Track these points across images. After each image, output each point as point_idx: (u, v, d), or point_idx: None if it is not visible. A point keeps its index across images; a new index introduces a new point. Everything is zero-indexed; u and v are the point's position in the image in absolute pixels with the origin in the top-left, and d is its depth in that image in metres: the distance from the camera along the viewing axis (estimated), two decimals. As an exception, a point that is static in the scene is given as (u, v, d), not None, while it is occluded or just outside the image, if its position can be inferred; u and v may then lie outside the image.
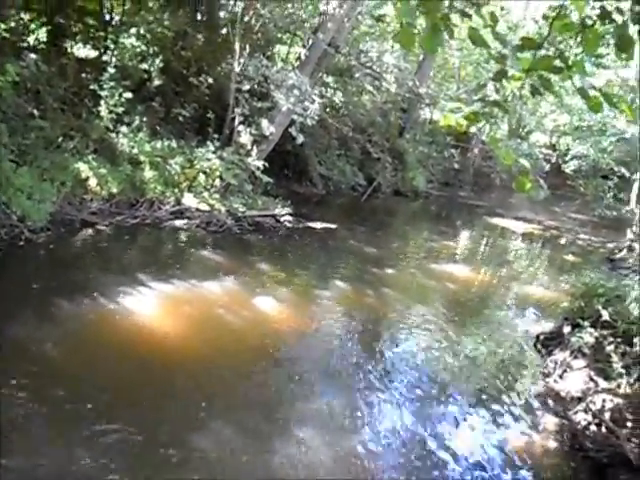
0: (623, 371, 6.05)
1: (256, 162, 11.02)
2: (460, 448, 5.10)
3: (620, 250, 14.23)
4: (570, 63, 3.02)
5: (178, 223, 10.32)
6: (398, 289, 9.06)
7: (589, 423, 5.41)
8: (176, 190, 10.80)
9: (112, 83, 10.45)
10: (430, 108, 21.53)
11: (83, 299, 6.50)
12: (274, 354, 6.34)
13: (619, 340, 6.54)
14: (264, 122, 11.26)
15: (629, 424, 5.04)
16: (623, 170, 20.74)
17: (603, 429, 5.26)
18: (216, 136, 11.11)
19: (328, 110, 15.33)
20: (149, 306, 6.64)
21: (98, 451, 4.08)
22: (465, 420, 5.63)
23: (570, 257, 13.99)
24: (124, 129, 10.75)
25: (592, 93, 3.16)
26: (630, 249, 13.95)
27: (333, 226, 12.20)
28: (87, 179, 9.95)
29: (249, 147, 11.22)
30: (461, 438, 5.30)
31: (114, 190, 10.20)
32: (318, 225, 11.99)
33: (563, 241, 16.04)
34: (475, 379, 6.62)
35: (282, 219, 11.64)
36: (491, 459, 5.05)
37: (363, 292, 8.64)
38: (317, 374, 6.12)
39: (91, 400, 4.58)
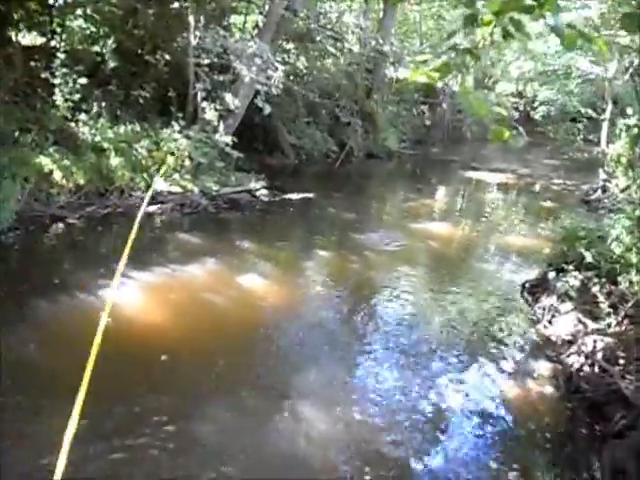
0: (610, 310, 6.14)
1: (224, 138, 10.73)
2: (457, 402, 5.13)
3: (594, 191, 14.38)
4: (542, 1, 2.90)
5: (151, 208, 10.03)
6: (381, 252, 9.01)
7: (582, 365, 5.48)
8: (145, 175, 10.49)
9: (64, 70, 10.00)
10: (395, 66, 21.25)
11: (61, 297, 6.30)
12: (263, 330, 6.27)
13: (604, 280, 6.61)
14: (228, 96, 10.92)
15: (621, 362, 5.11)
16: (590, 112, 20.86)
17: (596, 369, 5.34)
18: (180, 115, 10.76)
19: (292, 78, 14.98)
20: (132, 297, 6.47)
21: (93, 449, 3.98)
22: (460, 373, 5.66)
23: (546, 203, 14.11)
24: (83, 117, 10.35)
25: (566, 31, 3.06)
26: (604, 189, 14.11)
27: (310, 195, 12.05)
28: (51, 172, 9.58)
29: (215, 123, 10.91)
30: (457, 392, 5.32)
31: (81, 181, 9.86)
32: (294, 196, 11.83)
33: (538, 188, 16.15)
34: (465, 333, 6.65)
35: (257, 193, 11.45)
36: (489, 410, 5.10)
37: (346, 258, 8.58)
38: (308, 345, 6.07)
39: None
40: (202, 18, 10.18)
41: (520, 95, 27.16)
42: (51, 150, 9.68)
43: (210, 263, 7.79)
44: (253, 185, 11.52)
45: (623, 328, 5.73)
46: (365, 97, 16.48)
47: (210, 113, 10.76)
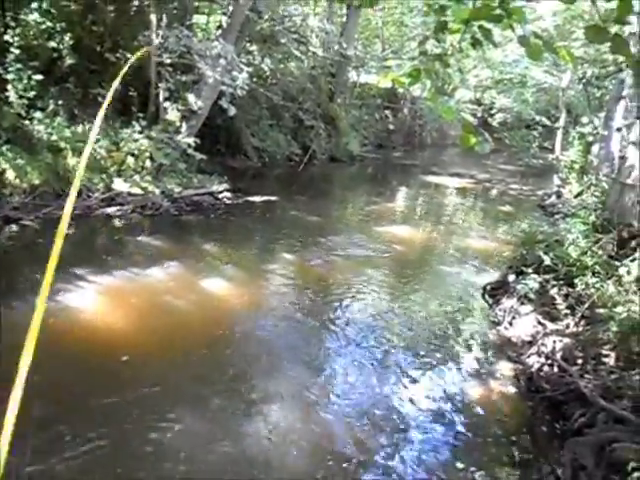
0: (568, 312, 6.34)
1: (187, 139, 10.57)
2: (418, 401, 5.18)
3: (549, 196, 14.86)
4: (510, 11, 2.97)
5: (110, 210, 9.79)
6: (344, 255, 9.04)
7: (542, 365, 5.63)
8: (104, 176, 10.22)
9: (18, 65, 9.64)
10: (358, 71, 21.45)
11: (14, 303, 6.04)
12: (228, 334, 6.18)
13: (561, 283, 6.83)
14: (191, 97, 10.77)
15: (579, 361, 5.28)
16: (545, 120, 21.60)
17: (556, 369, 5.49)
18: (141, 115, 10.53)
19: (256, 80, 14.90)
20: (91, 302, 6.27)
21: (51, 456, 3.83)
22: (421, 374, 5.72)
23: (504, 207, 14.48)
24: (38, 115, 10.00)
25: (532, 41, 3.15)
26: (558, 195, 14.60)
27: (273, 198, 12.00)
28: (3, 172, 9.22)
29: (178, 124, 10.72)
30: (418, 391, 5.37)
31: (36, 181, 9.54)
32: (257, 199, 11.75)
33: (495, 192, 16.57)
34: (427, 334, 6.72)
35: (220, 196, 11.31)
36: (450, 409, 5.17)
37: (310, 262, 8.57)
38: (273, 350, 6.02)
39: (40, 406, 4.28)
40: (164, 17, 9.99)
41: (478, 102, 27.79)
42: (4, 149, 9.32)
43: (172, 267, 7.64)
44: (216, 187, 11.38)
45: (580, 329, 5.92)
46: (328, 100, 16.56)
47: (172, 114, 10.57)
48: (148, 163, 10.59)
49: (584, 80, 12.92)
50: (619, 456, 3.85)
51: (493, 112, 22.58)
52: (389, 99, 23.07)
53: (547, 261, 6.86)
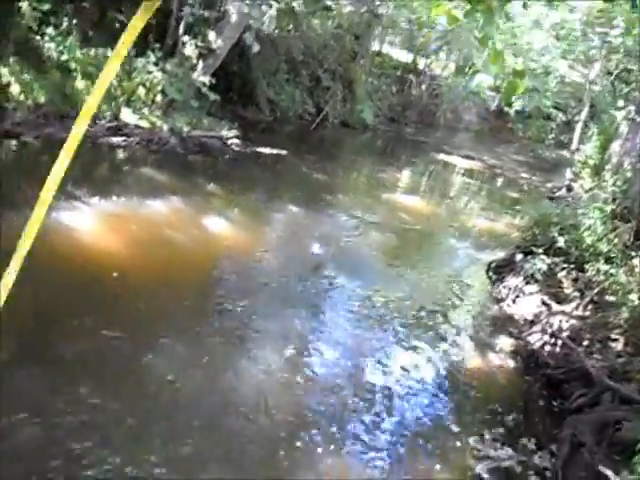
0: (576, 294, 6.18)
1: (202, 78, 10.17)
2: (419, 372, 5.02)
3: (559, 189, 14.62)
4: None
5: (116, 140, 9.43)
6: (350, 215, 8.80)
7: (545, 343, 5.49)
8: (113, 104, 9.82)
9: (35, -25, 9.16)
10: (381, 38, 20.86)
11: (8, 212, 5.77)
12: (227, 272, 5.99)
13: (572, 266, 6.66)
14: (211, 34, 10.33)
15: (585, 343, 5.13)
16: (561, 115, 21.26)
17: (559, 348, 5.35)
18: (158, 46, 10.09)
19: (278, 31, 14.43)
20: (89, 223, 6.03)
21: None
22: (420, 342, 5.55)
23: (512, 193, 14.27)
24: (50, 31, 9.54)
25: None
26: (569, 188, 14.36)
27: (282, 152, 11.68)
28: (8, 85, 8.82)
29: (194, 61, 10.31)
30: (418, 362, 5.19)
31: (41, 99, 9.14)
32: (266, 150, 11.43)
33: (504, 179, 16.32)
34: (429, 305, 6.54)
35: (229, 142, 10.96)
36: (449, 377, 5.04)
37: (315, 216, 8.34)
38: (270, 293, 5.81)
39: (30, 328, 4.07)
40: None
41: (497, 89, 27.28)
42: (11, 61, 8.91)
43: (175, 201, 7.39)
44: (225, 133, 11.02)
45: (588, 313, 5.77)
46: (350, 60, 16.03)
47: (190, 49, 10.16)
48: (159, 98, 10.20)
49: (614, 73, 12.57)
50: (624, 436, 3.72)
51: (514, 98, 22.05)
52: (409, 73, 22.54)
53: (561, 243, 6.68)
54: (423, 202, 11.36)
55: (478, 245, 9.11)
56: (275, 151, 11.57)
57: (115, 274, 4.98)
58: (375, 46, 20.52)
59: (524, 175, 16.89)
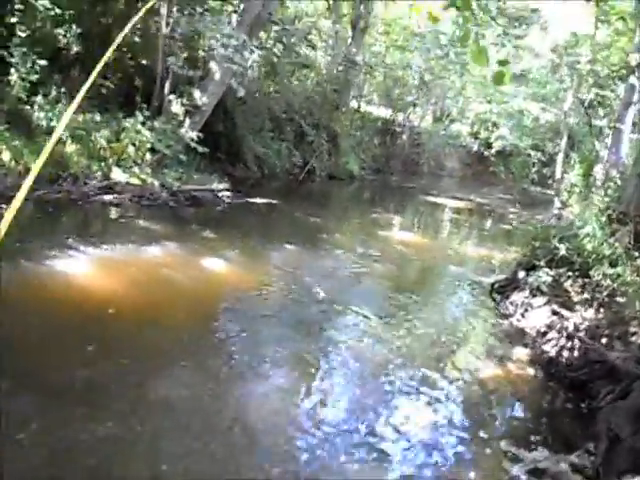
0: (585, 300, 6.07)
1: (190, 133, 10.37)
2: (435, 382, 4.81)
3: (549, 219, 14.76)
4: None
5: (107, 197, 9.46)
6: (348, 251, 8.75)
7: (562, 348, 5.32)
8: (103, 164, 9.95)
9: (24, 49, 9.48)
10: (357, 99, 21.60)
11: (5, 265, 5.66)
12: (228, 308, 5.82)
13: (576, 274, 6.58)
14: (196, 92, 10.63)
15: (604, 340, 4.98)
16: (539, 155, 21.88)
17: (576, 352, 5.19)
18: (145, 106, 10.34)
19: (258, 93, 14.90)
20: (86, 268, 5.92)
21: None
22: (436, 360, 5.34)
23: (504, 226, 14.37)
24: (40, 99, 9.78)
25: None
26: (558, 217, 14.50)
27: (274, 201, 11.76)
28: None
29: (181, 118, 10.55)
30: (435, 377, 4.98)
31: (31, 165, 9.22)
32: (258, 200, 11.51)
33: (494, 214, 16.49)
34: (439, 327, 6.38)
35: (220, 194, 11.03)
36: (470, 387, 4.83)
37: (313, 253, 8.28)
38: (273, 326, 5.63)
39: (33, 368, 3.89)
40: (175, 9, 9.91)
41: (475, 136, 28.14)
42: (1, 128, 9.07)
43: (171, 246, 7.31)
44: (216, 186, 11.13)
45: (600, 315, 5.64)
46: (333, 110, 16.49)
47: (176, 107, 10.41)
48: (148, 156, 10.34)
49: (587, 102, 13.03)
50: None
51: (493, 139, 22.72)
52: (389, 126, 23.26)
53: (562, 251, 6.63)
54: (418, 237, 11.38)
55: (478, 270, 9.04)
56: (266, 200, 11.65)
57: (111, 311, 4.82)
58: (354, 104, 21.25)
59: (513, 210, 17.07)
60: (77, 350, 4.11)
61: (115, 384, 3.82)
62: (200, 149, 10.30)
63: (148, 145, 10.22)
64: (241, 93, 9.88)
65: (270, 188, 14.65)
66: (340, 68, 15.14)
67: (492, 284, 7.81)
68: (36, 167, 1.23)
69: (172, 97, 10.50)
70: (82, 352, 4.09)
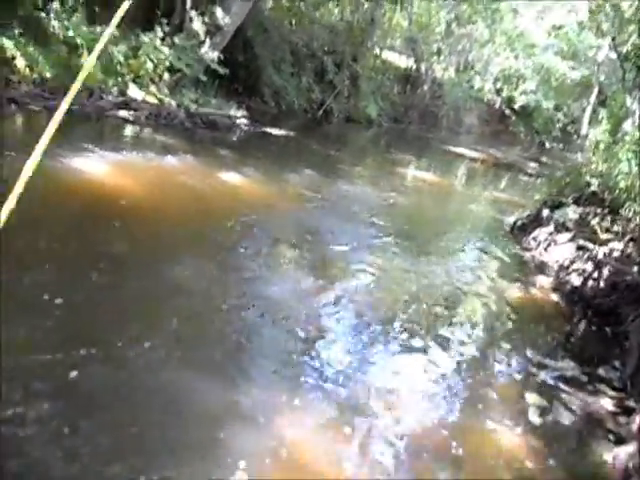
0: (613, 236, 5.87)
1: (210, 54, 9.99)
2: (465, 312, 4.66)
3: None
4: None
5: (123, 114, 9.19)
6: (370, 181, 8.55)
7: (588, 277, 5.16)
8: (119, 80, 9.63)
9: (41, -50, 9.05)
10: (380, 44, 20.82)
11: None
12: (244, 217, 5.63)
13: (605, 212, 6.37)
14: (219, 11, 10.19)
15: (635, 268, 4.81)
16: (561, 114, 21.27)
17: (602, 281, 5.03)
18: (165, 21, 9.93)
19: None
20: (103, 169, 5.73)
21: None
22: (465, 284, 5.19)
23: (523, 177, 14.07)
24: (57, 6, 9.40)
25: None
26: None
27: (291, 133, 11.46)
28: (13, 58, 8.62)
29: (202, 37, 10.14)
30: (461, 297, 4.85)
31: (47, 74, 8.93)
32: (275, 131, 11.21)
33: (514, 168, 16.14)
34: (459, 254, 6.24)
35: (237, 121, 10.75)
36: (496, 305, 4.71)
37: (332, 179, 8.05)
38: (289, 241, 5.44)
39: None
40: None
41: (497, 92, 27.34)
42: (16, 32, 8.74)
43: (189, 159, 7.11)
44: (234, 112, 10.82)
45: (630, 249, 5.45)
46: (357, 52, 15.91)
47: (198, 24, 10.00)
48: (167, 75, 10.00)
49: (623, 53, 12.41)
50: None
51: (517, 94, 22.03)
52: (410, 74, 22.56)
53: (594, 186, 6.39)
54: (439, 178, 11.11)
55: (499, 211, 8.82)
56: (284, 132, 11.35)
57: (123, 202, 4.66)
58: (376, 50, 20.51)
59: (532, 165, 16.74)
60: (101, 231, 3.98)
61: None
62: (221, 70, 9.94)
63: (167, 63, 9.87)
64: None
65: (287, 123, 14.31)
66: (366, 5, 14.50)
67: (514, 222, 7.62)
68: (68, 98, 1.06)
69: (193, 14, 10.07)
70: (105, 232, 3.96)
